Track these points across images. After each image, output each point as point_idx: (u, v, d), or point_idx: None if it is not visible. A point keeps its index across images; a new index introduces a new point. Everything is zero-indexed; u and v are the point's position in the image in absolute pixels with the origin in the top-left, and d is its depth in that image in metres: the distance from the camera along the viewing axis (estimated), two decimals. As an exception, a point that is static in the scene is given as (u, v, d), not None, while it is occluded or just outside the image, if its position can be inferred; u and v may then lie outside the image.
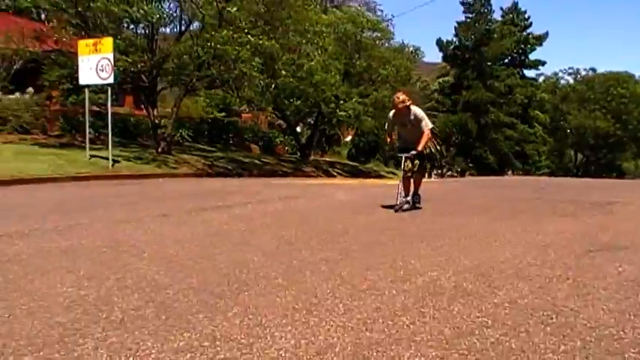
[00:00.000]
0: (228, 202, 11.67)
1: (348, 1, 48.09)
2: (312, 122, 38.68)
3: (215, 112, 34.19)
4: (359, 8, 40.33)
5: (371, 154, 49.44)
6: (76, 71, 21.06)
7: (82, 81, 20.49)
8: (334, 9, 39.81)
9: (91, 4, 21.43)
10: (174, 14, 25.38)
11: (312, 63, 25.21)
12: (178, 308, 4.56)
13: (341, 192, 15.00)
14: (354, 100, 32.86)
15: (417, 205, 10.85)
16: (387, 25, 38.50)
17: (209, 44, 21.62)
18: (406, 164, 10.39)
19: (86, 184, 16.40)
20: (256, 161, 29.16)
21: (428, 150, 10.62)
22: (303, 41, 24.70)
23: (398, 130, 10.84)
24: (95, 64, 19.73)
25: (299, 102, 31.50)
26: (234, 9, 22.32)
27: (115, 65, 20.08)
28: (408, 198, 10.69)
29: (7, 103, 24.78)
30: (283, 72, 23.85)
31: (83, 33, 22.58)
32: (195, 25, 25.64)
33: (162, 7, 24.74)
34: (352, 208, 11.22)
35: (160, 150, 23.90)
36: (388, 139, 11.11)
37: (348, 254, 6.65)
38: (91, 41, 20.31)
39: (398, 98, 10.22)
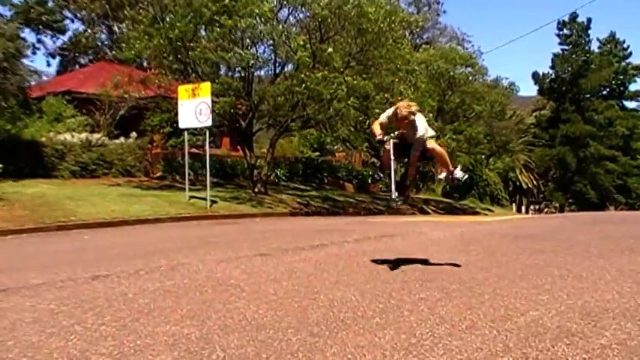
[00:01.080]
0: (324, 240, 11.72)
1: (439, 37, 48.02)
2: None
3: (309, 152, 34.67)
4: (451, 46, 40.15)
5: (466, 191, 48.77)
6: (176, 115, 21.86)
7: (182, 125, 21.22)
8: (425, 45, 39.86)
9: (190, 52, 22.29)
10: (269, 57, 26.02)
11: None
12: (278, 347, 4.61)
13: (437, 229, 14.83)
14: (447, 136, 32.64)
15: (460, 177, 9.09)
16: (479, 59, 38.19)
17: (304, 85, 22.00)
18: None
19: (186, 225, 16.87)
20: (350, 199, 29.27)
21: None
22: (396, 80, 24.78)
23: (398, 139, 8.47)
24: (194, 108, 20.41)
25: (392, 140, 31.56)
26: (329, 50, 22.68)
27: (213, 109, 20.72)
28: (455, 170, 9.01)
29: (112, 148, 25.93)
30: (377, 110, 23.93)
31: (183, 78, 23.48)
32: (290, 67, 26.18)
33: (256, 51, 25.43)
34: (448, 246, 11.07)
35: (256, 190, 24.38)
36: (377, 132, 8.47)
37: (447, 293, 6.55)
38: (190, 86, 21.08)
39: (401, 112, 7.85)
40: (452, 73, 34.37)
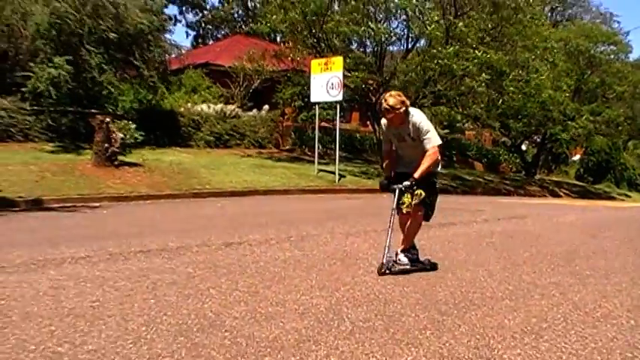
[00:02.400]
0: (452, 219, 11.60)
1: (582, 14, 45.93)
2: (539, 140, 37.41)
3: (439, 129, 34.22)
4: (594, 23, 38.33)
5: (601, 175, 46.68)
6: (308, 89, 22.15)
7: (314, 98, 21.47)
8: (566, 22, 38.26)
9: (324, 25, 22.47)
10: (402, 32, 25.80)
11: (542, 78, 24.37)
12: (406, 323, 4.63)
13: (570, 213, 14.35)
14: (584, 117, 31.32)
15: (403, 264, 6.60)
16: (623, 37, 36.27)
17: (436, 60, 21.70)
18: (402, 198, 6.51)
19: (314, 197, 17.14)
20: (479, 179, 28.72)
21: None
22: (532, 57, 23.93)
23: (395, 146, 6.76)
24: (326, 82, 20.59)
25: (525, 120, 30.71)
26: (462, 25, 22.23)
27: (344, 83, 20.83)
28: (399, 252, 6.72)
29: (245, 119, 26.64)
30: (512, 88, 23.27)
31: (315, 52, 23.72)
32: (422, 42, 25.88)
33: (389, 25, 25.27)
34: (583, 231, 10.69)
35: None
36: (384, 162, 7.19)
37: (581, 279, 6.35)
38: (322, 60, 21.28)
39: (386, 101, 6.27)
40: (592, 52, 32.84)
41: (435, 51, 22.11)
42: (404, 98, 6.27)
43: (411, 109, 6.36)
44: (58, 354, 3.80)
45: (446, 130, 35.58)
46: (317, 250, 7.60)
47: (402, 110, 6.20)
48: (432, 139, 6.33)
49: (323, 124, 25.38)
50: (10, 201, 13.17)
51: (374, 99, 24.80)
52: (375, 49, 25.44)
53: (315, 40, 23.85)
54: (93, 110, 20.40)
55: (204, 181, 17.28)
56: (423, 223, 6.65)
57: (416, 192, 6.36)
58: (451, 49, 21.65)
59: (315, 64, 21.34)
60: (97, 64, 20.02)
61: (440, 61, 21.65)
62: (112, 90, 21.41)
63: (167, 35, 26.70)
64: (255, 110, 27.89)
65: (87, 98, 20.95)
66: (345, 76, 21.02)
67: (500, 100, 24.95)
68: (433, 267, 6.68)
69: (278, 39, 35.98)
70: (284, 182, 18.80)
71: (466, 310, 5.02)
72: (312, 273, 6.27)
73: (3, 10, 19.78)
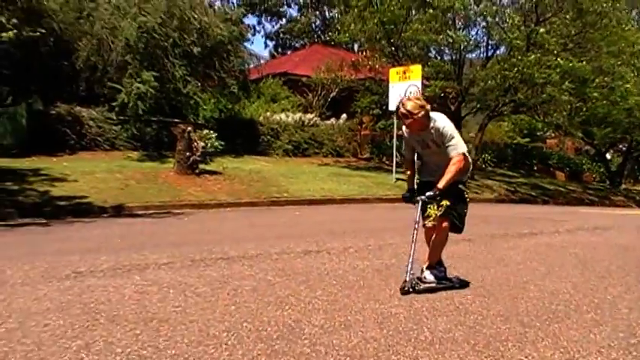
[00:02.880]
0: (533, 229, 11.37)
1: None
2: (624, 148, 36.24)
3: (519, 138, 33.64)
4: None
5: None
6: (386, 97, 22.13)
7: (392, 107, 21.37)
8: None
9: (402, 34, 22.42)
10: (481, 40, 25.50)
11: (628, 86, 23.60)
12: (487, 334, 4.56)
13: (659, 225, 13.84)
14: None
15: (428, 282, 6.03)
16: None
17: (516, 69, 21.33)
18: (427, 211, 6.03)
19: (391, 206, 17.05)
20: (561, 188, 28.03)
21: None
22: (618, 62, 23.21)
23: (419, 153, 6.27)
24: (404, 90, 20.51)
25: (609, 128, 29.80)
26: (543, 31, 21.79)
27: (423, 92, 20.71)
28: (425, 269, 6.16)
29: (323, 128, 26.79)
30: (595, 94, 22.64)
31: (393, 61, 23.69)
32: (502, 49, 25.51)
33: (469, 33, 25.03)
34: (673, 244, 10.28)
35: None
36: (408, 172, 6.65)
37: (672, 294, 6.11)
38: (401, 69, 21.25)
39: (404, 106, 5.77)
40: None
41: (515, 59, 21.74)
42: (424, 102, 5.81)
43: (434, 114, 5.88)
44: (143, 357, 3.90)
45: (526, 139, 34.92)
46: (395, 259, 7.56)
47: (420, 115, 5.68)
48: (457, 146, 5.82)
49: (401, 132, 25.23)
50: (96, 207, 13.64)
51: (453, 107, 24.58)
52: (454, 56, 25.24)
53: (393, 49, 23.83)
54: (175, 120, 20.93)
55: (283, 190, 17.45)
56: (503, 232, 6.53)
57: (441, 203, 5.88)
58: (532, 56, 21.27)
59: (394, 72, 21.31)
60: (180, 76, 20.52)
61: (520, 69, 21.28)
62: (197, 100, 21.90)
63: (246, 45, 27.16)
64: (333, 119, 28.02)
65: (170, 108, 21.50)
66: (423, 85, 20.89)
67: (584, 108, 24.31)
68: (463, 285, 6.16)
69: (356, 48, 36.10)
70: (362, 191, 18.80)
71: (549, 323, 4.90)
72: (391, 282, 6.24)
73: (94, 26, 20.52)
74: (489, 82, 23.14)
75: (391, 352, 4.13)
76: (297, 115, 26.65)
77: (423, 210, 5.97)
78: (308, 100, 28.93)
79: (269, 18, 56.07)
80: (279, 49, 56.70)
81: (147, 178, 16.52)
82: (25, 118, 19.48)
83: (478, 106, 25.80)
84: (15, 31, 14.60)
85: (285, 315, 4.96)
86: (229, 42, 22.55)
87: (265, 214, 14.42)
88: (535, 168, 35.37)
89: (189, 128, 17.72)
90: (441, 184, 5.71)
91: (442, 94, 23.50)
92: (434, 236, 6.05)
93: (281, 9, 55.66)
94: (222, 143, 19.57)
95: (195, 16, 21.22)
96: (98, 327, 4.48)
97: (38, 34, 16.27)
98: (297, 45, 55.57)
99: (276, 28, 57.03)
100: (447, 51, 25.31)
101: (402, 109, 5.72)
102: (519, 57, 21.66)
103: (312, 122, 26.72)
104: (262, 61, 31.04)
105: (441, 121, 5.85)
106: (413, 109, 5.66)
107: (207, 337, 4.31)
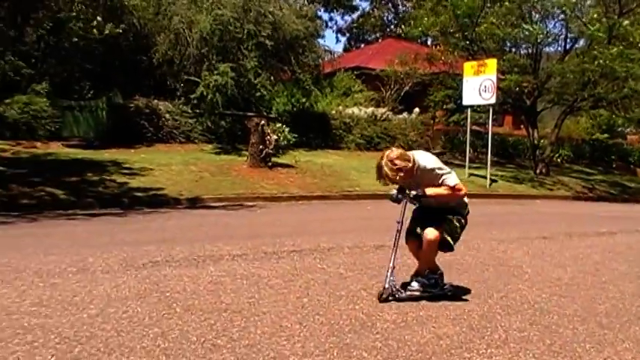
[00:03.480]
0: (612, 228, 11.06)
1: None
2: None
3: (597, 133, 32.72)
4: None
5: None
6: (460, 92, 21.86)
7: (466, 101, 21.16)
8: None
9: (476, 28, 22.07)
10: (559, 33, 24.88)
11: None
12: (563, 335, 4.47)
13: None
14: None
15: (412, 289, 5.53)
16: None
17: (596, 62, 20.72)
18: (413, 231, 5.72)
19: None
20: (642, 186, 27.14)
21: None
22: None
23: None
24: (478, 85, 20.22)
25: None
26: (627, 23, 21.09)
27: (498, 86, 20.37)
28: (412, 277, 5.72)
29: (395, 122, 26.63)
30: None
31: (468, 55, 23.35)
32: (581, 42, 24.84)
33: (546, 26, 24.45)
34: None
35: (537, 171, 23.64)
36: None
37: None
38: (475, 63, 20.93)
39: (389, 167, 5.25)
40: None
41: (595, 52, 21.11)
42: (402, 161, 5.22)
43: (415, 158, 5.35)
44: (217, 347, 3.98)
45: (605, 135, 33.88)
46: (469, 256, 7.48)
47: (400, 175, 5.22)
48: (448, 178, 5.42)
49: (474, 127, 24.90)
50: (171, 199, 13.95)
51: (528, 102, 24.08)
52: (530, 50, 24.68)
53: (467, 43, 23.48)
54: (249, 113, 21.14)
55: (354, 184, 17.45)
56: (580, 231, 6.37)
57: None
58: (614, 49, 20.60)
59: (468, 66, 21.02)
60: (252, 68, 20.72)
61: (601, 63, 20.64)
62: (266, 93, 22.08)
63: (320, 40, 27.22)
64: (405, 113, 27.82)
65: (243, 101, 21.74)
66: (498, 79, 20.54)
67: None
68: (455, 294, 5.54)
69: (429, 42, 35.75)
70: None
71: (630, 325, 4.77)
72: (464, 279, 6.18)
73: (171, 20, 20.95)
74: (567, 75, 22.54)
75: (464, 349, 4.10)
76: (370, 109, 26.55)
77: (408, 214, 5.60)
78: (380, 94, 28.81)
79: (341, 12, 56.02)
80: (352, 43, 56.62)
81: (221, 170, 16.77)
82: (106, 112, 20.02)
83: (555, 100, 25.20)
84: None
85: (356, 309, 4.98)
86: (304, 37, 22.65)
87: (337, 207, 14.46)
88: (614, 165, 34.25)
89: (263, 121, 17.89)
90: (429, 191, 5.32)
91: (517, 89, 23.02)
92: (423, 248, 5.49)
93: (353, 2, 55.55)
94: (295, 136, 19.68)
95: (270, 10, 21.39)
96: (174, 315, 4.59)
97: (120, 30, 16.71)
98: (369, 39, 55.40)
99: (348, 22, 57.00)
100: (523, 44, 24.77)
101: (383, 170, 5.23)
102: (600, 50, 21.02)
103: (384, 116, 26.58)
104: (336, 56, 30.96)
105: (422, 160, 5.37)
106: (391, 173, 5.19)
107: (280, 329, 4.36)
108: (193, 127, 21.66)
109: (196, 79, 20.45)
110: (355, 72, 30.17)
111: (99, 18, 15.50)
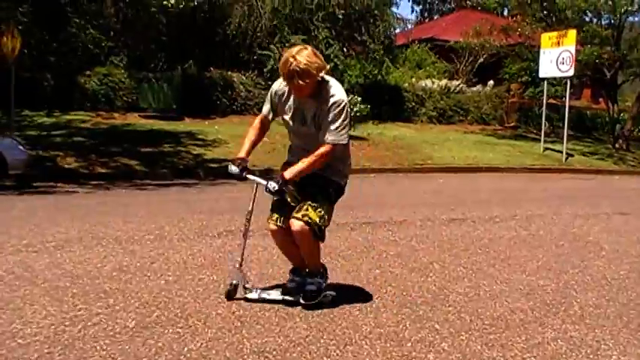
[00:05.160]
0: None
1: None
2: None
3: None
4: None
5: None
6: (536, 64, 21.34)
7: (542, 74, 20.66)
8: None
9: (556, -1, 21.48)
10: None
11: None
12: (642, 312, 4.37)
13: None
14: None
15: (312, 293, 4.29)
16: None
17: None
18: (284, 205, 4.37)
19: (538, 176, 16.55)
20: None
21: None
22: None
23: (288, 127, 4.35)
24: (556, 57, 19.70)
25: None
26: None
27: (576, 58, 19.79)
28: (294, 278, 4.45)
29: (469, 95, 26.23)
30: None
31: (546, 26, 22.72)
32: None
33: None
34: None
35: (617, 145, 22.95)
36: (250, 132, 4.52)
37: None
38: (554, 34, 20.35)
39: (295, 61, 3.87)
40: None
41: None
42: (320, 59, 3.96)
43: (330, 79, 4.12)
44: (291, 315, 4.06)
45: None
46: (543, 231, 7.36)
47: (316, 79, 3.94)
48: (339, 133, 4.05)
49: (550, 100, 24.30)
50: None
51: (608, 74, 23.31)
52: (613, 20, 23.81)
53: (545, 13, 22.83)
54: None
55: (427, 157, 17.34)
56: None
57: (306, 201, 4.19)
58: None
59: (546, 38, 20.46)
60: (323, 39, 20.69)
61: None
62: (339, 63, 22.02)
63: (393, 9, 26.87)
64: (479, 86, 27.35)
65: (316, 74, 21.78)
66: (577, 51, 19.94)
67: None
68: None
69: (505, 13, 34.92)
70: (507, 160, 18.33)
71: None
72: (538, 254, 6.09)
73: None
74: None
75: (538, 323, 4.05)
76: (443, 82, 26.21)
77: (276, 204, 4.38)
78: (454, 66, 28.38)
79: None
80: (426, 14, 55.81)
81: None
82: (181, 83, 20.34)
83: (637, 72, 24.33)
84: None
85: (429, 281, 4.97)
86: (376, 7, 22.44)
87: (409, 180, 14.40)
88: None
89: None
90: (288, 173, 4.08)
91: (597, 61, 22.29)
92: (296, 242, 4.27)
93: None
94: (367, 108, 19.61)
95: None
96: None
97: (194, 2, 16.92)
98: (444, 9, 54.48)
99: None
100: (605, 15, 23.91)
101: (293, 65, 3.85)
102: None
103: (457, 89, 26.21)
104: (409, 26, 30.60)
105: (336, 92, 4.06)
106: (307, 66, 3.85)
107: (353, 300, 4.39)
108: (266, 98, 21.83)
109: (267, 53, 20.56)
110: (429, 44, 29.78)
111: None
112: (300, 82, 3.87)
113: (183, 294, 4.42)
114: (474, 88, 27.02)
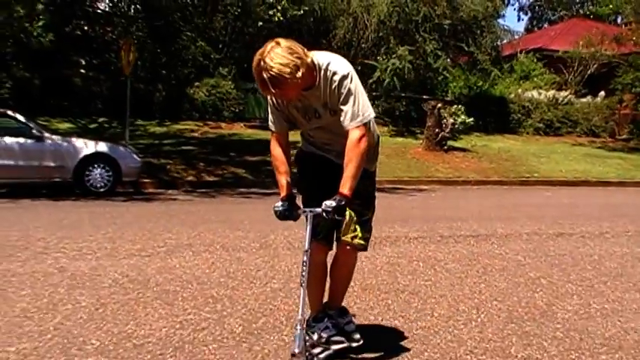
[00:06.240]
0: None
1: None
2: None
3: None
4: None
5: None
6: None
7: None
8: None
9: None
10: None
11: None
12: None
13: None
14: None
15: (337, 343, 3.55)
16: None
17: None
18: (321, 229, 3.50)
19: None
20: None
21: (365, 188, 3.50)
22: None
23: (302, 127, 3.54)
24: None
25: None
26: None
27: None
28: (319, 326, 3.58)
29: (578, 107, 25.43)
30: None
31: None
32: None
33: None
34: None
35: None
36: (277, 168, 3.55)
37: None
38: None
39: (265, 65, 2.98)
40: None
41: None
42: (300, 51, 3.09)
43: (321, 56, 3.36)
44: (395, 327, 4.04)
45: None
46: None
47: (299, 75, 3.02)
48: (359, 110, 3.26)
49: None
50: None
51: None
52: None
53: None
54: (424, 96, 21.05)
55: (533, 169, 16.93)
56: None
57: (348, 217, 3.39)
58: None
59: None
60: (431, 51, 20.59)
61: None
62: (446, 76, 21.88)
63: (499, 20, 26.43)
64: (589, 97, 26.44)
65: (419, 84, 21.68)
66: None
67: None
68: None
69: (619, 21, 33.71)
70: (619, 174, 17.66)
71: None
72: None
73: (350, 4, 21.26)
74: None
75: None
76: (550, 93, 25.51)
77: (315, 230, 3.42)
78: (563, 76, 27.57)
79: (524, -9, 54.01)
80: (534, 22, 54.47)
81: (396, 153, 16.85)
82: (287, 94, 20.65)
83: None
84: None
85: (536, 297, 4.86)
86: (483, 18, 22.13)
87: (514, 193, 14.10)
88: None
89: (439, 105, 17.77)
90: (346, 189, 3.17)
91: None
92: (336, 268, 3.70)
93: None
94: (472, 119, 19.34)
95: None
96: (352, 294, 4.70)
97: (301, 12, 17.21)
98: (552, 18, 53.04)
99: (531, 0, 54.87)
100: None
101: (263, 72, 3.01)
102: None
103: (566, 100, 25.44)
104: (516, 37, 29.97)
105: (336, 66, 3.33)
106: (282, 73, 2.98)
107: (457, 313, 4.35)
108: (370, 109, 21.87)
109: (373, 63, 20.63)
110: (537, 54, 29.07)
111: (284, 3, 16.05)
112: (277, 90, 3.05)
113: (288, 302, 4.50)
114: (584, 99, 26.16)
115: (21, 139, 11.14)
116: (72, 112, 18.22)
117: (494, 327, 4.08)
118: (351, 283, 4.83)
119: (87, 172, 11.34)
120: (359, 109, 3.24)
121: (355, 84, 3.28)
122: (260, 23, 18.28)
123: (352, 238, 3.46)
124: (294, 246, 6.45)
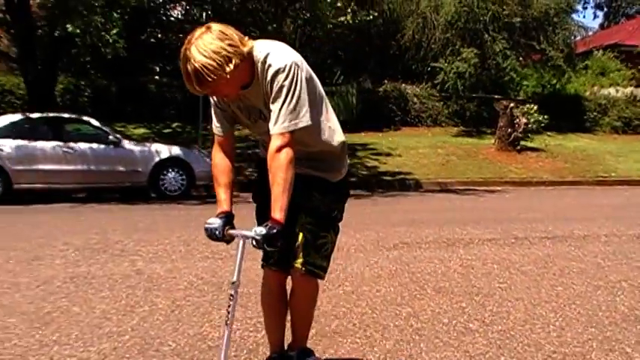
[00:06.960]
0: None
1: None
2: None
3: None
4: None
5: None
6: None
7: None
8: None
9: None
10: None
11: None
12: None
13: None
14: None
15: None
16: None
17: None
18: (272, 253, 3.01)
19: None
20: None
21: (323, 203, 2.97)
22: None
23: (252, 130, 2.98)
24: None
25: None
26: None
27: None
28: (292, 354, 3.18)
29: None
30: None
31: None
32: None
33: None
34: None
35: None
36: (215, 177, 3.05)
37: None
38: None
39: (189, 60, 2.47)
40: None
41: None
42: (231, 40, 2.52)
43: (262, 45, 2.72)
44: (470, 330, 3.96)
45: None
46: None
47: (230, 69, 2.46)
48: (289, 114, 2.62)
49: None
50: (418, 182, 14.14)
51: None
52: None
53: None
54: (496, 96, 20.74)
55: (610, 169, 16.47)
56: None
57: (300, 238, 2.92)
58: None
59: None
60: (500, 50, 20.27)
61: None
62: (515, 75, 21.50)
63: (573, 16, 25.73)
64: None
65: (490, 83, 21.37)
66: None
67: None
68: None
69: None
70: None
71: None
72: None
73: (419, 4, 21.15)
74: None
75: None
76: (628, 90, 24.74)
77: (266, 253, 3.11)
78: (641, 72, 26.74)
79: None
80: (611, 18, 52.93)
81: (468, 154, 16.66)
82: (355, 96, 20.66)
83: None
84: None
85: (617, 301, 4.70)
86: (555, 14, 21.62)
87: (591, 193, 13.73)
88: None
89: (512, 104, 17.48)
90: (276, 213, 2.60)
91: None
92: (294, 296, 3.12)
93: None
94: (546, 118, 18.91)
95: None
96: (425, 297, 4.66)
97: (371, 16, 17.20)
98: (630, 12, 51.44)
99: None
100: None
101: (188, 65, 2.50)
102: None
103: (645, 97, 24.67)
104: (590, 33, 29.19)
105: (273, 58, 2.67)
106: (209, 64, 2.44)
107: (534, 317, 4.25)
108: (440, 110, 21.70)
109: (439, 65, 20.45)
110: (613, 50, 28.26)
111: (353, 6, 16.08)
112: (204, 87, 2.50)
113: (361, 304, 4.48)
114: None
115: (100, 145, 11.47)
116: (147, 118, 18.63)
117: (574, 331, 3.97)
118: (425, 286, 4.82)
119: (161, 176, 11.60)
120: (289, 112, 2.61)
121: (294, 81, 2.62)
122: (330, 26, 18.33)
123: (302, 264, 2.91)
124: (366, 248, 6.44)
